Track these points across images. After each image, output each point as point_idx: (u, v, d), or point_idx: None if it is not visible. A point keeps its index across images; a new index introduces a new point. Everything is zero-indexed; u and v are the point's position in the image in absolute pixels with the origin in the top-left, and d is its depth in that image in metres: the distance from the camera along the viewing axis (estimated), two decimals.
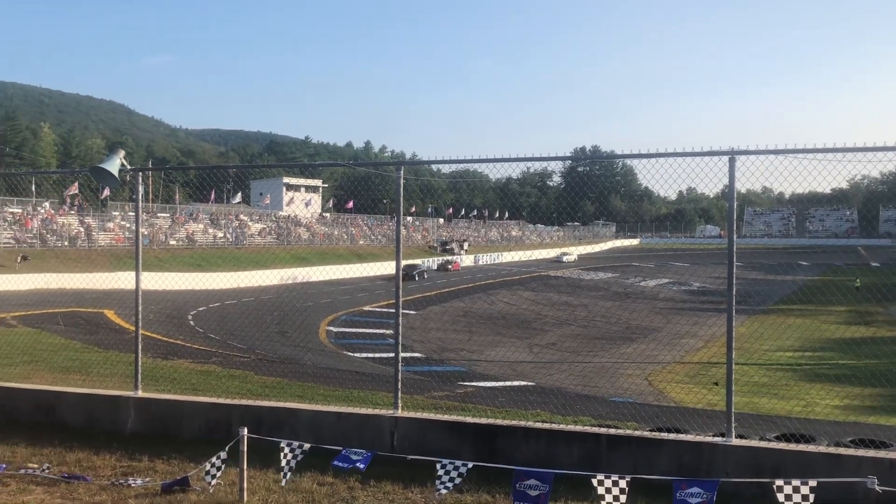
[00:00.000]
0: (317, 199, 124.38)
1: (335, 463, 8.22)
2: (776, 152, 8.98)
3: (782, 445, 8.98)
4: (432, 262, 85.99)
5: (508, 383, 26.49)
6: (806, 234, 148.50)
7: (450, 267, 62.89)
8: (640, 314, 49.55)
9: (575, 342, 41.49)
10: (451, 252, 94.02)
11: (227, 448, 8.50)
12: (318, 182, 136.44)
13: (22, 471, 9.48)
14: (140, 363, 11.78)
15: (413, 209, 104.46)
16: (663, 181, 10.04)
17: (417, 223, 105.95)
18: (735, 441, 9.01)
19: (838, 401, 27.69)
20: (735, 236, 9.29)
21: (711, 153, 9.16)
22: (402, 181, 10.52)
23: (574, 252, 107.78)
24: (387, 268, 63.52)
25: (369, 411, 10.96)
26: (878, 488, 6.75)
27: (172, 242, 72.47)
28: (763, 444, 9.08)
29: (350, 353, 33.80)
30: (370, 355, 32.95)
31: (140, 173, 12.12)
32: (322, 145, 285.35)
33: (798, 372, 33.89)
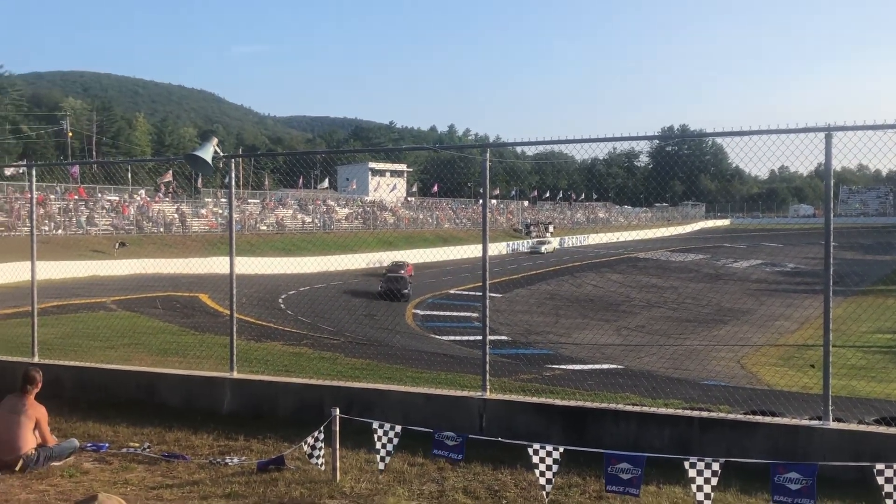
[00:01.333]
0: (402, 184, 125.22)
1: (434, 451, 8.30)
2: (875, 128, 8.68)
3: (882, 429, 8.72)
4: (515, 245, 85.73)
5: (596, 366, 26.29)
6: None
7: (402, 272, 51.33)
8: (731, 296, 48.60)
9: (664, 325, 40.92)
10: (536, 235, 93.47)
11: (321, 428, 8.67)
12: (402, 167, 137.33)
13: (124, 450, 9.83)
14: (235, 345, 12.08)
15: (497, 192, 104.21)
16: (755, 160, 9.81)
17: (502, 206, 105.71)
18: (832, 424, 8.79)
19: None
20: (832, 214, 9.03)
21: (806, 130, 8.90)
22: (487, 164, 10.52)
23: (554, 240, 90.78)
24: (473, 251, 63.61)
25: (458, 393, 11.04)
26: None
27: (263, 228, 73.95)
28: (862, 427, 8.83)
29: (437, 336, 34.02)
30: (457, 338, 33.11)
31: (232, 160, 12.40)
32: (406, 130, 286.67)
33: None
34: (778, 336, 35.14)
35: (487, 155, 10.57)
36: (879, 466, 6.74)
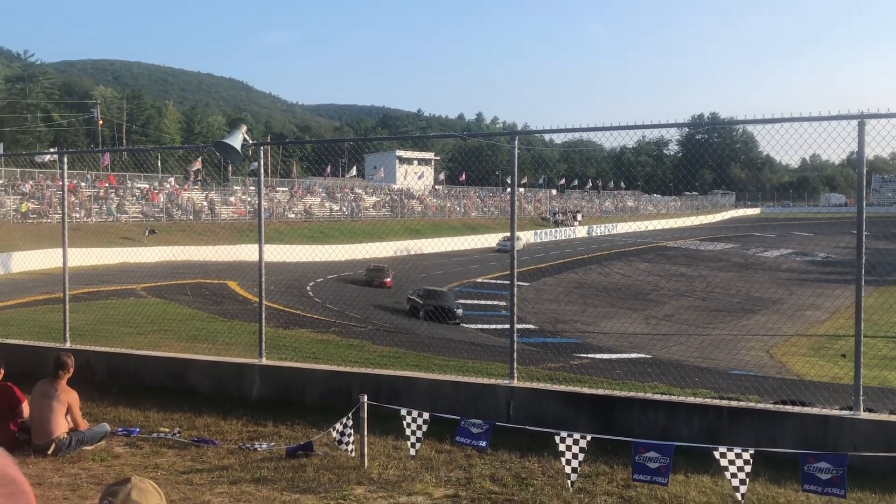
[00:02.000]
0: (429, 172, 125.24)
1: (458, 439, 8.33)
2: None
3: None
4: (543, 233, 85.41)
5: (624, 355, 26.23)
6: None
7: (381, 281, 44.96)
8: (761, 286, 48.20)
9: (692, 314, 40.71)
10: (564, 223, 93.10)
11: (349, 414, 8.71)
12: (430, 155, 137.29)
13: (154, 434, 9.94)
14: (263, 332, 12.15)
15: (525, 180, 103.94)
16: (786, 148, 9.74)
17: (529, 194, 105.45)
18: (863, 415, 8.70)
19: None
20: (864, 203, 8.92)
21: (839, 117, 8.80)
22: (516, 151, 10.49)
23: (524, 237, 73.24)
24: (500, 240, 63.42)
25: (485, 381, 11.05)
26: None
27: (291, 216, 74.29)
28: (893, 418, 8.74)
29: (464, 325, 34.05)
30: (484, 326, 33.15)
31: (261, 148, 12.45)
32: (434, 118, 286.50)
33: None
34: (808, 326, 34.83)
35: (516, 142, 10.55)
36: None
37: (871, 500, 7.50)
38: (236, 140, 10.81)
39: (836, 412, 8.93)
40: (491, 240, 67.55)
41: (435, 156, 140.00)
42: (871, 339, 25.44)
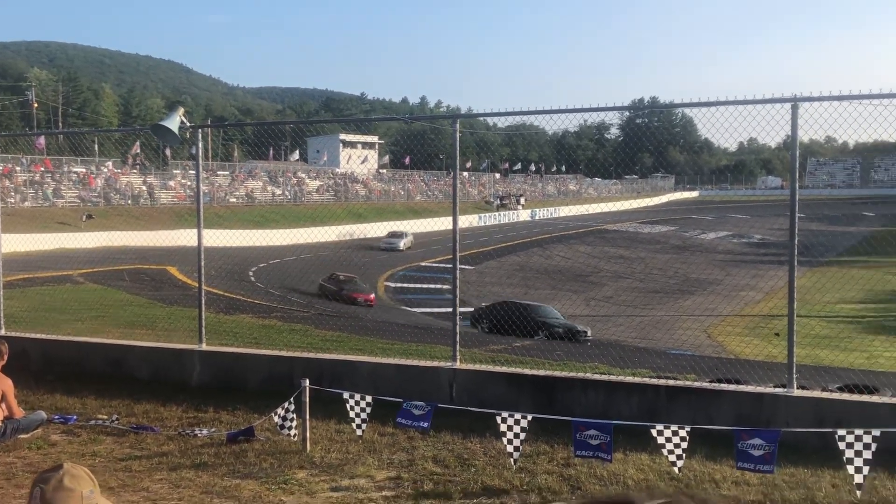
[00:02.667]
0: (373, 156, 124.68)
1: (399, 420, 8.38)
2: (841, 98, 8.76)
3: (845, 396, 8.89)
4: (486, 217, 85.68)
5: None
6: (871, 184, 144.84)
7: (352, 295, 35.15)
8: (698, 267, 49.03)
9: (632, 295, 41.30)
10: (508, 207, 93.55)
11: (291, 399, 8.68)
12: (374, 138, 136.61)
13: (92, 422, 9.79)
14: (203, 317, 12.02)
15: (469, 164, 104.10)
16: (723, 132, 9.91)
17: (473, 178, 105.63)
18: (797, 392, 8.93)
19: None
20: (797, 186, 9.12)
21: (773, 100, 8.98)
22: (457, 135, 10.50)
23: (410, 233, 60.67)
24: (444, 223, 63.41)
25: (428, 363, 11.09)
26: None
27: (232, 200, 73.38)
28: (825, 395, 9.00)
29: (408, 308, 34.09)
30: (428, 310, 33.22)
31: (200, 131, 12.28)
32: (378, 101, 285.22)
33: (861, 324, 33.31)
34: (744, 306, 35.56)
35: (457, 126, 10.56)
36: (841, 432, 6.88)
37: (803, 476, 7.70)
38: (173, 123, 10.65)
39: (770, 390, 9.16)
40: (436, 224, 67.42)
41: (379, 139, 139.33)
42: (805, 319, 26.06)
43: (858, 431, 6.81)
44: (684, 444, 7.05)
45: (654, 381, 9.92)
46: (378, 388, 10.11)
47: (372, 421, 8.89)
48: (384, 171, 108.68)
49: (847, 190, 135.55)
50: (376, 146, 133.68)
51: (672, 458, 7.05)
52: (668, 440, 7.10)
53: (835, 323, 31.67)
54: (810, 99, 8.77)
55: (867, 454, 6.74)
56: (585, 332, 27.27)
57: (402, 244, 59.39)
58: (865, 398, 8.80)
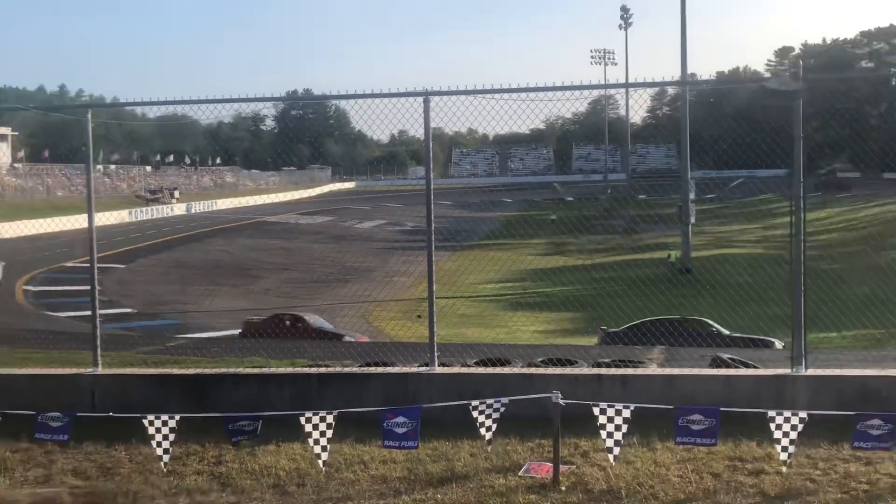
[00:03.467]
0: (5, 149, 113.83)
1: (38, 435, 7.78)
2: (469, 93, 9.39)
3: (481, 370, 9.60)
4: (138, 212, 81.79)
5: (224, 332, 26.10)
6: (509, 173, 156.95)
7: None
8: (356, 256, 50.33)
9: (293, 286, 41.57)
10: (161, 201, 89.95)
11: None
12: (6, 130, 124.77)
13: None
14: None
15: (116, 157, 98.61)
16: (375, 124, 10.26)
17: (122, 171, 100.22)
18: (438, 369, 9.47)
19: (538, 326, 29.92)
20: (432, 175, 9.65)
21: (406, 94, 9.41)
22: (90, 125, 9.93)
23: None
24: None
25: (67, 371, 10.44)
26: (561, 402, 7.37)
27: None
28: (464, 370, 9.65)
29: (52, 313, 31.72)
30: (75, 314, 31.03)
31: None
32: (10, 90, 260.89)
33: (502, 302, 36.15)
34: (398, 291, 37.08)
35: (89, 116, 10.02)
36: (474, 403, 7.40)
37: (444, 448, 8.19)
38: None
39: (414, 369, 9.65)
40: (81, 221, 63.22)
41: (12, 131, 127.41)
42: (451, 300, 27.83)
43: (490, 401, 7.37)
44: (329, 433, 7.21)
45: (307, 370, 10.08)
46: (12, 402, 9.25)
47: (3, 439, 8.17)
48: (19, 165, 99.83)
49: (488, 178, 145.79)
50: (9, 138, 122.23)
51: (317, 448, 7.19)
52: (316, 427, 7.22)
53: (479, 302, 34.07)
54: (440, 93, 9.31)
55: (490, 421, 7.36)
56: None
57: None
58: (498, 370, 9.56)
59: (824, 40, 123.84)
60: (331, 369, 10.05)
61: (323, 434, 7.22)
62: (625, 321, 21.21)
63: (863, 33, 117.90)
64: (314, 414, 7.27)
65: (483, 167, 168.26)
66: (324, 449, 7.22)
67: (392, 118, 10.02)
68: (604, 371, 9.88)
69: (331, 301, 35.05)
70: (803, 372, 8.89)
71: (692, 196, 43.43)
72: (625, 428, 7.19)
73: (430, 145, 9.55)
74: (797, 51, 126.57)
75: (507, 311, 33.42)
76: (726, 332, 22.30)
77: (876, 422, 7.01)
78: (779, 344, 20.54)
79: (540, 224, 52.00)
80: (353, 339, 23.28)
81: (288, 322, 23.70)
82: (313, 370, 9.92)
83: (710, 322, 22.37)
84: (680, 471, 7.50)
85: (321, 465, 7.28)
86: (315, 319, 25.34)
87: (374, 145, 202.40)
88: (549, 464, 7.57)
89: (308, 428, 7.22)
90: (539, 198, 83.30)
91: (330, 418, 7.23)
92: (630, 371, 9.90)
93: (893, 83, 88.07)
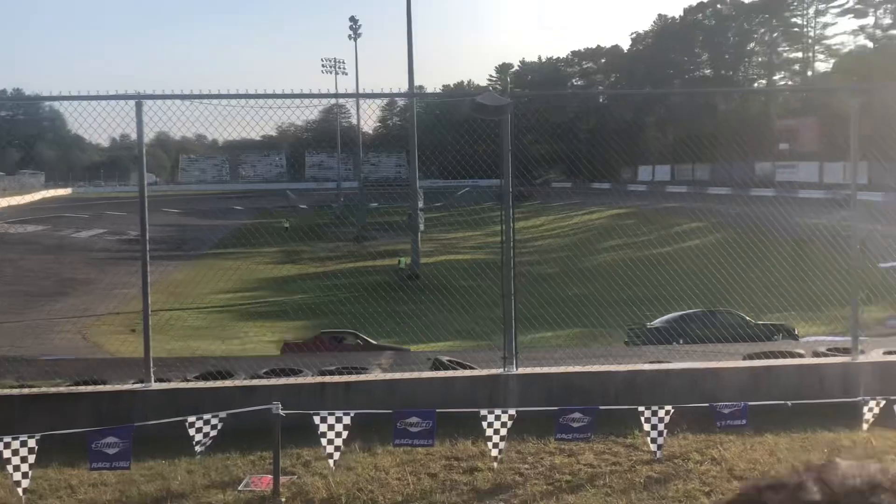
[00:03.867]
0: None
1: None
2: (185, 97, 9.13)
3: (200, 384, 9.34)
4: None
5: None
6: (240, 180, 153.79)
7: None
8: (73, 267, 47.39)
9: (1, 301, 38.33)
10: None
11: None
12: None
13: None
14: None
15: None
16: (92, 127, 9.68)
17: None
18: (154, 385, 9.11)
19: (271, 335, 29.57)
20: (146, 183, 9.29)
21: (117, 97, 9.01)
22: None
23: None
24: None
25: None
26: (282, 412, 7.32)
27: None
28: (182, 385, 9.34)
29: None
30: None
31: None
32: None
33: (234, 312, 35.39)
34: (121, 303, 35.24)
35: None
36: (191, 419, 7.19)
37: (160, 467, 7.87)
38: None
39: (128, 387, 9.22)
40: None
41: None
42: (180, 312, 26.91)
43: (207, 416, 7.18)
44: (31, 458, 6.72)
45: (9, 391, 9.31)
46: None
47: None
48: None
49: (219, 185, 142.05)
50: None
51: (17, 475, 6.68)
52: (16, 453, 6.70)
53: (210, 313, 33.10)
54: (153, 97, 8.98)
55: (205, 437, 7.19)
56: None
57: None
58: (218, 384, 9.34)
59: (539, 58, 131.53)
60: (35, 390, 9.36)
61: (24, 460, 6.71)
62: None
63: (574, 53, 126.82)
64: (13, 438, 6.74)
65: (213, 173, 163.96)
66: (24, 476, 6.71)
67: (110, 122, 9.55)
68: (327, 379, 9.96)
69: (49, 317, 32.66)
70: (514, 371, 9.42)
71: (421, 204, 44.79)
72: (346, 434, 7.27)
73: (144, 150, 9.20)
74: (516, 67, 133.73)
75: (241, 321, 32.77)
76: (752, 321, 23.83)
77: (576, 415, 7.58)
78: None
79: (273, 232, 51.44)
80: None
81: None
82: (15, 392, 9.19)
83: (740, 313, 23.87)
84: (399, 473, 7.70)
85: (20, 493, 6.75)
86: None
87: (93, 150, 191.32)
88: (269, 476, 7.50)
89: (7, 454, 6.68)
90: (272, 205, 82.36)
91: (32, 442, 6.73)
92: (353, 378, 10.06)
93: (601, 100, 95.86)
